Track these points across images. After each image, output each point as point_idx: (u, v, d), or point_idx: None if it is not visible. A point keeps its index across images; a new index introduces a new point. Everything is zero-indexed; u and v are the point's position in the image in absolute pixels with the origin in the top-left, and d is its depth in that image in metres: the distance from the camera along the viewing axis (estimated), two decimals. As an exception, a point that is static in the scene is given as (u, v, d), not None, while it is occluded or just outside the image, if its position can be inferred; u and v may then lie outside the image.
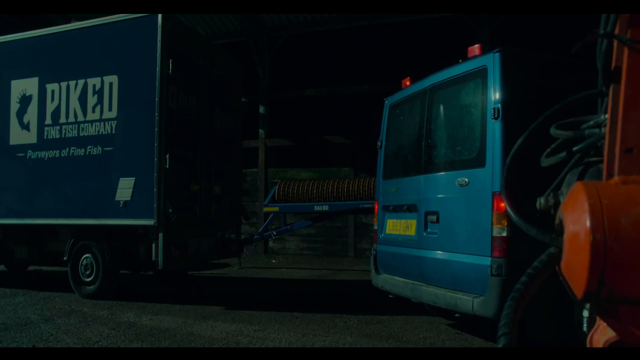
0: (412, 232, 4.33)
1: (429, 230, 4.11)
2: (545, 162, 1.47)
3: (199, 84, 6.50)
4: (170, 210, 5.67)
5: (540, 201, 1.39)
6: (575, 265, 1.12)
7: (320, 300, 6.16)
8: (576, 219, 1.10)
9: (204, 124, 6.59)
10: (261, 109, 12.85)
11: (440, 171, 4.00)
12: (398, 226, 4.63)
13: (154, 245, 5.66)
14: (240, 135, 7.56)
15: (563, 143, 1.45)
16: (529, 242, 3.54)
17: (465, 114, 3.85)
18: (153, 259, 5.66)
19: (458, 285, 3.74)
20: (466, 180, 3.69)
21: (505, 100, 3.58)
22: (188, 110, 6.23)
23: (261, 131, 12.78)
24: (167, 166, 5.67)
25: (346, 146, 12.54)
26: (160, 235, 5.61)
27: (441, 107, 4.05)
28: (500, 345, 1.31)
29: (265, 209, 9.31)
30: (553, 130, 1.46)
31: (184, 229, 6.07)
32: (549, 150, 1.48)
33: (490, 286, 3.49)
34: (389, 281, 4.69)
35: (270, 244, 12.39)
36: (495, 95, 3.62)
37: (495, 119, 3.58)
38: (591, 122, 1.37)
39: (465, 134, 3.84)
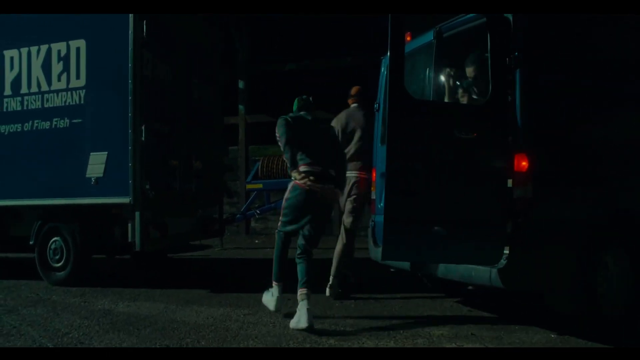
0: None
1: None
2: None
3: (175, 51, 5.96)
4: (148, 187, 5.18)
5: None
6: None
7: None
8: None
9: (182, 94, 6.07)
10: (240, 84, 12.28)
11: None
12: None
13: (130, 225, 5.17)
14: (221, 107, 7.04)
15: None
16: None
17: (481, 63, 3.44)
18: (129, 240, 5.18)
19: (463, 255, 3.39)
20: (472, 131, 3.31)
21: (527, 46, 3.20)
22: (164, 80, 5.70)
23: (241, 107, 12.23)
24: (143, 139, 5.16)
25: (330, 121, 12.11)
26: (137, 214, 5.13)
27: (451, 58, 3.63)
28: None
29: (249, 186, 8.87)
30: None
31: (162, 207, 5.59)
32: None
33: (509, 255, 3.15)
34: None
35: (253, 223, 11.95)
36: (515, 41, 3.23)
37: (515, 67, 3.21)
38: None
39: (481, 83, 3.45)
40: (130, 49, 5.15)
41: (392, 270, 4.56)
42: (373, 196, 4.72)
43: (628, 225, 3.43)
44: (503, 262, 3.17)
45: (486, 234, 3.22)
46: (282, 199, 9.22)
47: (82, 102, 5.47)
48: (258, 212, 9.05)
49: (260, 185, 8.65)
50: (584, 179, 3.37)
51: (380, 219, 4.53)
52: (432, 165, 3.40)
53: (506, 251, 3.18)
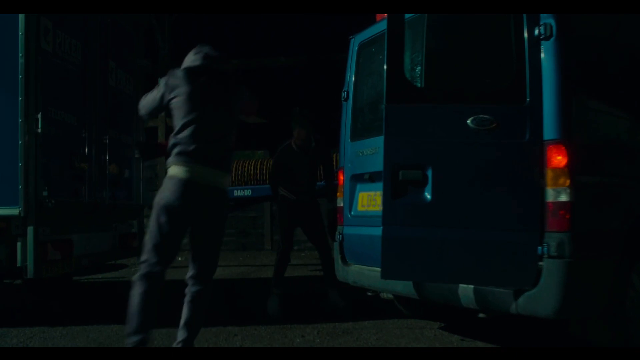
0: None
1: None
2: None
3: (87, 25, 4.79)
4: (46, 194, 3.97)
5: None
6: None
7: (257, 306, 4.79)
8: None
9: (95, 79, 4.90)
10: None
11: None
12: (378, 200, 3.45)
13: (19, 244, 3.92)
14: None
15: None
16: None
17: (490, 36, 2.72)
18: (19, 264, 3.93)
19: (484, 275, 2.63)
20: (491, 120, 2.59)
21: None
22: (70, 58, 4.51)
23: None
24: (40, 130, 3.96)
25: (261, 126, 11.20)
26: (30, 229, 3.90)
27: (446, 34, 2.89)
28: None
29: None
30: None
31: (66, 220, 4.38)
32: None
33: (546, 273, 2.43)
34: (365, 274, 3.50)
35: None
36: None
37: (547, 38, 2.52)
38: None
39: (490, 60, 2.73)
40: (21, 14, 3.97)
41: (369, 294, 3.73)
42: (339, 203, 3.87)
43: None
44: (535, 283, 2.46)
45: (515, 248, 2.50)
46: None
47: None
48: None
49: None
50: (621, 181, 2.78)
51: (352, 230, 3.71)
52: (442, 164, 2.65)
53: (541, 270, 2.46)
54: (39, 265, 3.95)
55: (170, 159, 2.65)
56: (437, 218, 2.65)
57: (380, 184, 3.49)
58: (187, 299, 2.85)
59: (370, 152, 3.54)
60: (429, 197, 2.67)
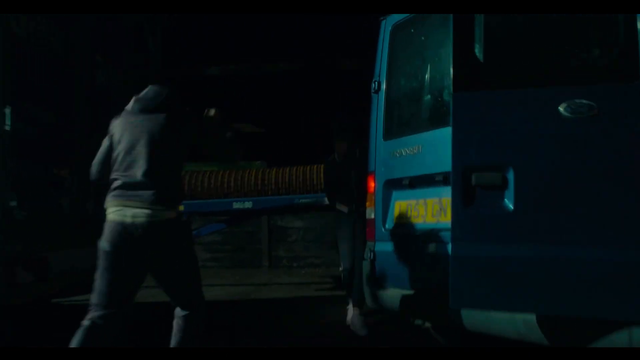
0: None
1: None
2: None
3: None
4: (14, 204, 3.30)
5: None
6: None
7: (267, 334, 4.11)
8: None
9: (79, 73, 4.26)
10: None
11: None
12: (421, 210, 2.85)
13: (-19, 264, 3.25)
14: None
15: None
16: None
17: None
18: (-19, 288, 3.25)
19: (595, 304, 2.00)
20: (590, 105, 1.99)
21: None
22: (49, 44, 3.89)
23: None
24: (9, 128, 3.32)
25: (257, 136, 10.59)
26: (-5, 246, 3.23)
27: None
28: None
29: (165, 209, 6.99)
30: None
31: (41, 235, 3.70)
32: None
33: None
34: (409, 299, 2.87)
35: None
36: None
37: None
38: None
39: (587, 27, 2.13)
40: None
41: (418, 324, 3.08)
42: (369, 215, 3.24)
43: None
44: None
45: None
46: (207, 224, 7.52)
47: None
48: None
49: (182, 208, 6.79)
50: None
51: (387, 247, 3.08)
52: (527, 163, 2.06)
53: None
54: (6, 289, 3.28)
55: (106, 198, 2.41)
56: (522, 232, 2.04)
57: (423, 191, 2.91)
58: (174, 329, 2.50)
59: (410, 152, 2.93)
60: (510, 205, 2.06)
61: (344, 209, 4.35)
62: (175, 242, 2.39)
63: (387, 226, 3.10)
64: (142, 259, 2.34)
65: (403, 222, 3.00)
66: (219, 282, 7.90)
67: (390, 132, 3.13)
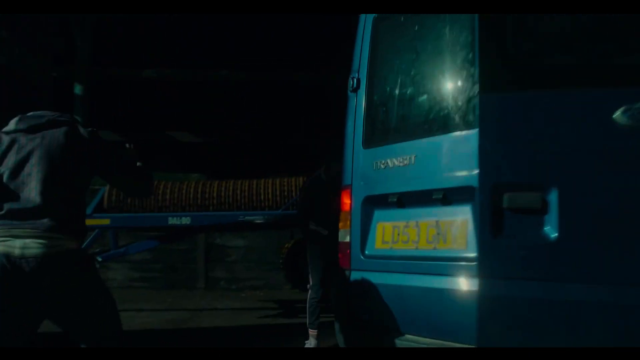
0: (461, 244, 2.05)
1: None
2: None
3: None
4: None
5: None
6: None
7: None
8: None
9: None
10: (77, 89, 9.38)
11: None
12: (412, 234, 2.36)
13: None
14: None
15: None
16: None
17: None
18: None
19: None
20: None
21: None
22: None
23: (76, 119, 9.28)
24: None
25: (195, 146, 9.85)
26: None
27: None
28: None
29: (87, 222, 6.10)
30: None
31: None
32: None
33: None
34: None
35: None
36: None
37: None
38: None
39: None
40: None
41: None
42: (345, 237, 2.70)
43: None
44: None
45: None
46: (136, 241, 6.66)
47: None
48: (99, 259, 6.29)
49: (107, 221, 5.99)
50: None
51: (363, 277, 2.56)
52: (574, 182, 1.61)
53: None
54: None
55: None
56: (569, 267, 1.58)
57: (415, 211, 2.42)
58: None
59: (400, 162, 2.43)
60: (553, 233, 1.61)
61: (322, 230, 4.09)
62: (78, 277, 2.04)
63: (366, 252, 2.57)
64: (35, 300, 1.94)
65: (388, 247, 2.48)
66: (149, 306, 7.03)
67: (373, 139, 2.62)
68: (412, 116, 2.46)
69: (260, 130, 9.37)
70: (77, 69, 9.35)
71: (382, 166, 2.52)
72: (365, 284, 2.53)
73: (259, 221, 5.70)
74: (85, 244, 6.56)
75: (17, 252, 1.91)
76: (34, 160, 2.06)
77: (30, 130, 2.12)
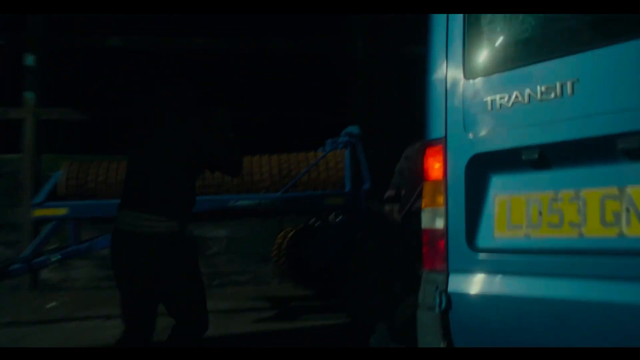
0: None
1: None
2: None
3: None
4: None
5: None
6: None
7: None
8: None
9: None
10: (29, 60, 8.25)
11: None
12: (569, 212, 1.43)
13: None
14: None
15: None
16: None
17: None
18: None
19: None
20: None
21: None
22: None
23: (29, 95, 8.30)
24: None
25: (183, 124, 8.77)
26: None
27: None
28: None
29: (38, 213, 5.05)
30: None
31: None
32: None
33: None
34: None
35: (46, 273, 7.72)
36: None
37: None
38: None
39: None
40: None
41: None
42: (433, 222, 1.73)
43: None
44: None
45: None
46: (102, 235, 5.54)
47: None
48: (59, 255, 5.21)
49: (64, 211, 4.91)
50: None
51: (473, 285, 1.60)
52: None
53: None
54: None
55: None
56: None
57: (573, 174, 1.48)
58: None
59: (541, 95, 1.47)
60: None
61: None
62: (159, 257, 2.62)
63: (479, 243, 1.61)
64: (137, 270, 2.67)
65: (521, 235, 1.53)
66: (119, 312, 5.95)
67: (485, 61, 1.65)
68: (564, 17, 1.50)
69: (244, 104, 8.33)
70: (28, 36, 8.16)
71: (506, 104, 1.56)
72: (475, 297, 1.57)
73: (252, 206, 4.72)
74: (38, 240, 5.48)
75: (120, 227, 2.71)
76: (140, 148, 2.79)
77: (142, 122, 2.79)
